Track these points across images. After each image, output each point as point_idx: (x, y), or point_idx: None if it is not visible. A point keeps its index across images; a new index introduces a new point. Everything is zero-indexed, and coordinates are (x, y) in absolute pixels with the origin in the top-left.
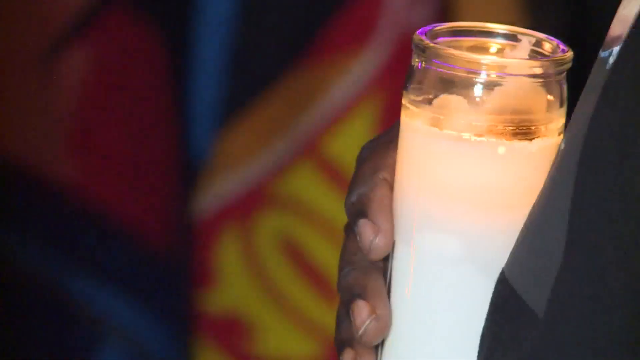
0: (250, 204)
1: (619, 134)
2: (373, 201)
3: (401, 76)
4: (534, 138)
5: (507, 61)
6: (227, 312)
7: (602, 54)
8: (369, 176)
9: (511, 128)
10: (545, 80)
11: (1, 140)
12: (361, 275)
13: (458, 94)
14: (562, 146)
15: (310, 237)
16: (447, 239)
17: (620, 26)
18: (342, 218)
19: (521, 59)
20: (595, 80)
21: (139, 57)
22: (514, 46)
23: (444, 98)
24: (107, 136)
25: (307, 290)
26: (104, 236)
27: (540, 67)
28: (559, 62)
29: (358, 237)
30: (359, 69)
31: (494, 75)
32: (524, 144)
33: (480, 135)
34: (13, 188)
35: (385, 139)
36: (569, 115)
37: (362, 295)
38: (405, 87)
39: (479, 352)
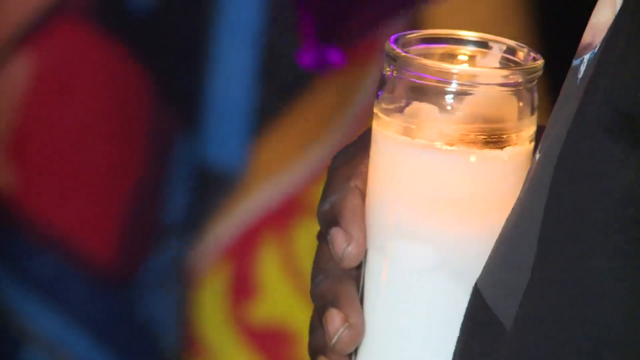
0: (288, 213)
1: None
2: (345, 209)
3: None
4: (505, 146)
5: (478, 70)
6: (269, 322)
7: (575, 62)
8: (341, 184)
9: (482, 137)
10: (516, 88)
11: None
12: (334, 283)
13: (429, 103)
14: (537, 157)
15: None
16: (420, 248)
17: (591, 34)
18: None
19: (492, 67)
20: (568, 89)
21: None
22: (485, 53)
23: (416, 107)
24: (45, 144)
25: None
26: (33, 244)
27: (511, 75)
28: (530, 71)
29: (330, 246)
30: None
31: (465, 85)
32: (496, 152)
33: (452, 145)
34: None
35: (357, 147)
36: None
37: (334, 304)
38: (376, 96)
39: None
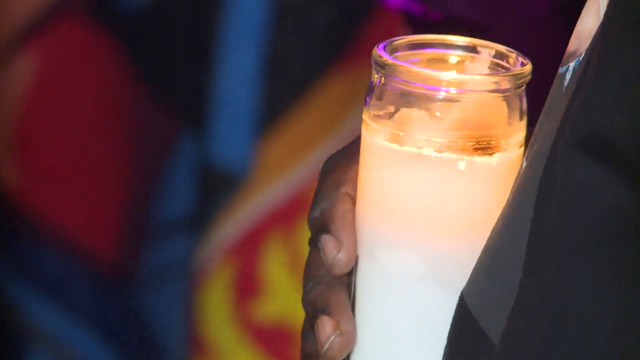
0: (293, 212)
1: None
2: (336, 216)
3: None
4: (494, 152)
5: (466, 77)
6: (274, 321)
7: (561, 69)
8: (331, 191)
9: (471, 143)
10: (504, 94)
11: None
12: (325, 290)
13: (417, 110)
14: (524, 166)
15: None
16: (409, 255)
17: (575, 42)
18: None
19: (480, 74)
20: (554, 97)
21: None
22: (473, 58)
23: (404, 114)
24: (48, 144)
25: None
26: (36, 242)
27: (499, 81)
28: (519, 76)
29: (321, 252)
30: None
31: (453, 92)
32: (485, 158)
33: (440, 152)
34: None
35: (348, 152)
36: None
37: (326, 311)
38: (365, 103)
39: None
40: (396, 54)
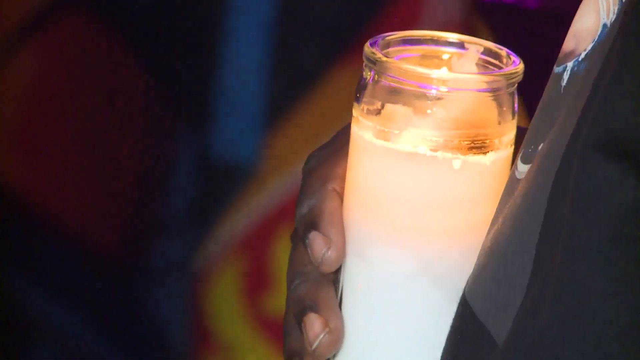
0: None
1: None
2: (324, 213)
3: None
4: (488, 151)
5: (459, 75)
6: (281, 315)
7: (557, 69)
8: (318, 187)
9: (466, 142)
10: (497, 93)
11: None
12: (312, 287)
13: (410, 108)
14: (520, 165)
15: None
16: (400, 254)
17: (573, 41)
18: None
19: (472, 72)
20: (550, 97)
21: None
22: (460, 54)
23: (395, 110)
24: (53, 138)
25: None
26: (40, 238)
27: (493, 80)
28: (512, 75)
29: (309, 250)
30: None
31: (445, 90)
32: (479, 157)
33: (435, 150)
34: None
35: (332, 148)
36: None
37: (314, 308)
38: (356, 99)
39: None
40: (387, 50)
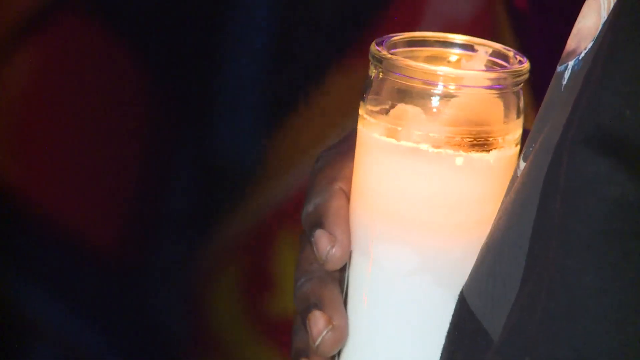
0: (300, 208)
1: None
2: (330, 212)
3: None
4: (491, 149)
5: (465, 73)
6: (282, 316)
7: (559, 68)
8: (325, 186)
9: (469, 139)
10: (502, 91)
11: None
12: (317, 285)
13: (415, 105)
14: (522, 164)
15: None
16: (404, 251)
17: (575, 40)
18: None
19: (478, 70)
20: (552, 95)
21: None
22: (470, 56)
23: (401, 109)
24: (53, 138)
25: None
26: (40, 237)
27: (498, 78)
28: (517, 74)
29: (314, 248)
30: None
31: (451, 87)
32: (482, 155)
33: (438, 147)
34: None
35: (340, 149)
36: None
37: (318, 306)
38: (362, 98)
39: None
40: (393, 51)
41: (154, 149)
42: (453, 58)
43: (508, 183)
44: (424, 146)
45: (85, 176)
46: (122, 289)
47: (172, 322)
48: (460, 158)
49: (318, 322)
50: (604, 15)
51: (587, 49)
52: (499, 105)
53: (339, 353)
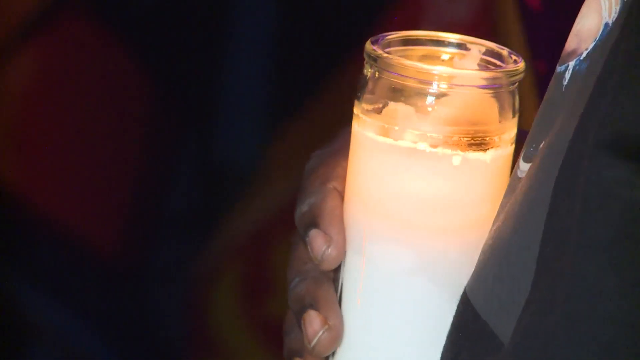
0: None
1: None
2: (324, 211)
3: None
4: (488, 149)
5: (460, 72)
6: (279, 317)
7: (559, 68)
8: (319, 186)
9: (466, 139)
10: (498, 90)
11: None
12: (312, 285)
13: (411, 104)
14: (522, 165)
15: None
16: (399, 250)
17: (575, 41)
18: None
19: (474, 70)
20: (552, 95)
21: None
22: (462, 55)
23: (396, 108)
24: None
25: None
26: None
27: (493, 77)
28: (513, 73)
29: (309, 248)
30: None
31: (446, 86)
32: (479, 154)
33: (435, 147)
34: None
35: (334, 148)
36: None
37: (313, 306)
38: (357, 97)
39: None
40: (388, 50)
41: (154, 151)
42: (447, 57)
43: (504, 182)
44: (421, 145)
45: (85, 177)
46: (122, 290)
47: (171, 323)
48: (458, 157)
49: (313, 322)
50: (605, 16)
51: (588, 50)
52: (495, 104)
53: (333, 353)
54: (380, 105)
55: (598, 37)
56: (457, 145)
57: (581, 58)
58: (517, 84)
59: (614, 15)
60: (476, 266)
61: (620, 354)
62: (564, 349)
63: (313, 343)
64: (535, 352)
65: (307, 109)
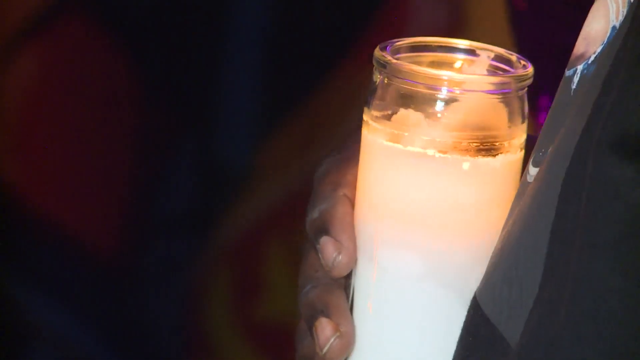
0: (295, 212)
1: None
2: (335, 218)
3: None
4: (497, 154)
5: (470, 77)
6: (275, 319)
7: (567, 72)
8: (329, 193)
9: (476, 144)
10: (507, 96)
11: None
12: (323, 292)
13: (420, 110)
14: (531, 169)
15: None
16: (411, 256)
17: (583, 44)
18: None
19: (483, 75)
20: (561, 99)
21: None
22: (471, 61)
23: (406, 114)
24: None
25: None
26: (37, 240)
27: (503, 82)
28: (522, 78)
29: (320, 255)
30: None
31: (456, 92)
32: (488, 160)
33: (445, 152)
34: None
35: (344, 155)
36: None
37: (325, 313)
38: (366, 103)
39: None
40: (397, 56)
41: (153, 151)
42: (456, 63)
43: (514, 188)
44: (430, 151)
45: (83, 177)
46: (120, 290)
47: (169, 323)
48: (467, 163)
49: (325, 329)
50: (613, 19)
51: (596, 53)
52: (504, 109)
53: None
54: (390, 112)
55: (606, 40)
56: (466, 150)
57: (589, 62)
58: (526, 89)
59: (621, 18)
60: (486, 271)
61: (625, 353)
62: (570, 349)
63: (325, 350)
64: (541, 352)
65: (304, 109)
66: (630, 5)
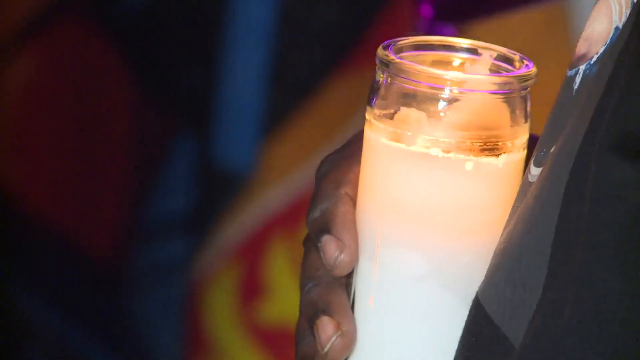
0: (297, 214)
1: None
2: (337, 217)
3: None
4: (500, 154)
5: (472, 77)
6: (278, 322)
7: (569, 72)
8: (331, 191)
9: (479, 144)
10: (510, 95)
11: None
12: (325, 291)
13: (423, 110)
14: (533, 169)
15: None
16: (412, 255)
17: (585, 45)
18: None
19: (487, 74)
20: (563, 99)
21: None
22: (474, 60)
23: (408, 113)
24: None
25: None
26: (34, 241)
27: (505, 82)
28: (524, 78)
29: (322, 253)
30: None
31: (459, 91)
32: (491, 159)
33: (448, 152)
34: None
35: (345, 154)
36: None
37: (326, 311)
38: (369, 103)
39: None
40: (400, 55)
41: (151, 153)
42: (458, 62)
43: (516, 187)
44: (433, 151)
45: (81, 179)
46: (118, 291)
47: (167, 325)
48: (470, 163)
49: (327, 327)
50: (616, 20)
51: (599, 54)
52: (506, 109)
53: (346, 359)
54: (392, 111)
55: (608, 40)
56: (469, 150)
57: (591, 62)
58: (528, 88)
59: (623, 19)
60: (488, 270)
61: (626, 354)
62: (572, 350)
63: (326, 348)
64: (545, 353)
65: (304, 111)
66: (634, 6)
